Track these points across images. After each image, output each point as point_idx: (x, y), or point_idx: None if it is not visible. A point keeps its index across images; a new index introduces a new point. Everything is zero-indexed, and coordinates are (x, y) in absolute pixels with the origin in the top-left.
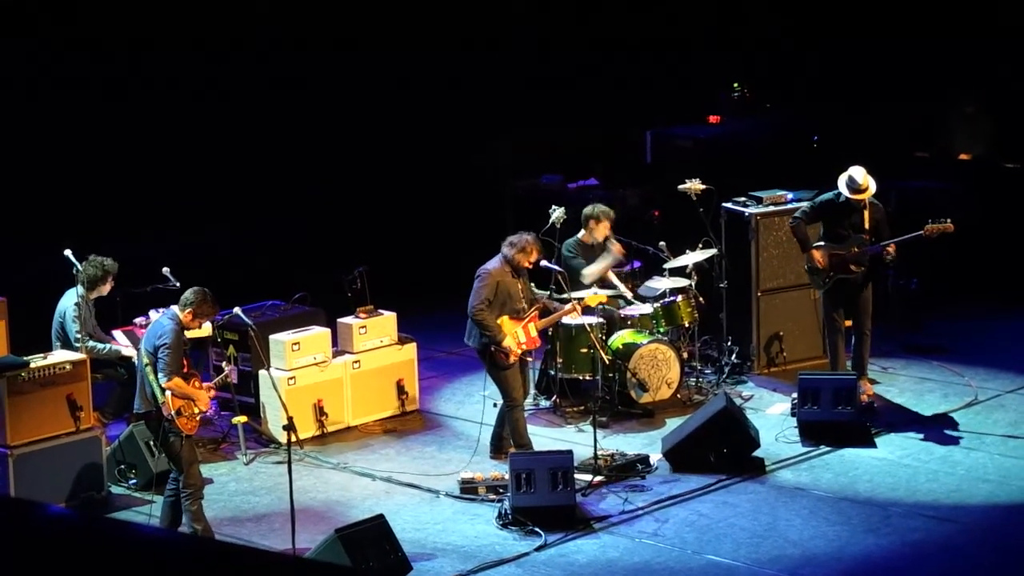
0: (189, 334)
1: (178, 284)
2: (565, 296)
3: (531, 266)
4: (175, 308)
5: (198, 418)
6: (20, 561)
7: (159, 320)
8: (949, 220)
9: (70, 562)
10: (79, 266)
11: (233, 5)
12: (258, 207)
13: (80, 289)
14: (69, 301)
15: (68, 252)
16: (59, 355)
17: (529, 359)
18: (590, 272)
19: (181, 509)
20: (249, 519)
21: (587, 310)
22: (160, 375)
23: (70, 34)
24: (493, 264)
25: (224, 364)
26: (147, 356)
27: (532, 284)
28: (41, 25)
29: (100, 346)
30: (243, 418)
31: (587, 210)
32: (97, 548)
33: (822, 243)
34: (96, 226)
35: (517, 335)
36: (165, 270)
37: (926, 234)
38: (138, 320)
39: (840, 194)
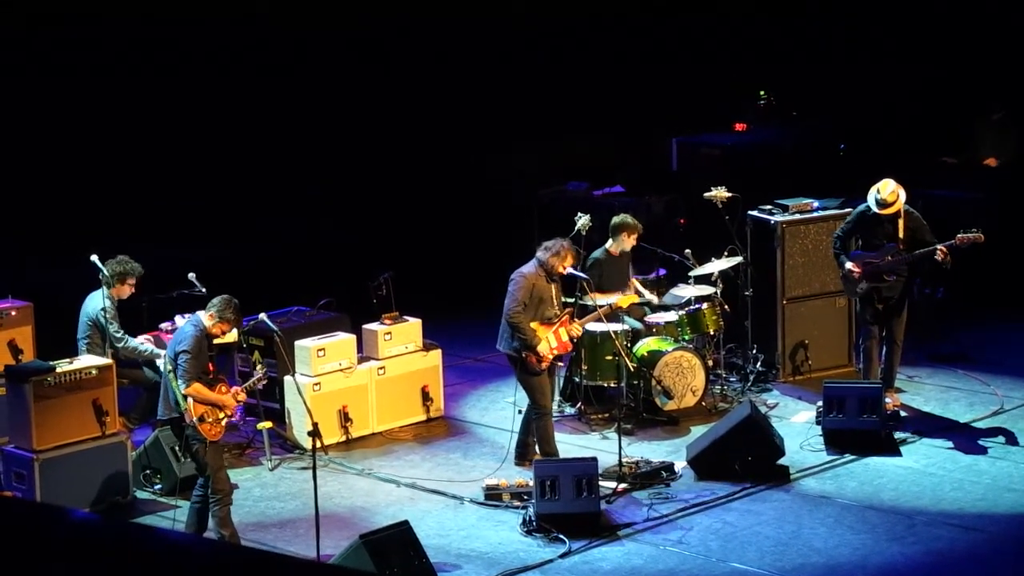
0: (216, 340)
1: (204, 290)
2: (590, 303)
3: (565, 271)
4: (200, 314)
5: (223, 423)
6: (45, 566)
7: (183, 327)
8: (979, 230)
9: (95, 567)
10: (105, 271)
11: (274, 15)
12: (285, 213)
13: (106, 291)
14: (98, 303)
15: (95, 257)
16: (85, 360)
17: (560, 364)
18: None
19: (207, 515)
20: (274, 525)
21: (613, 316)
22: (180, 381)
23: (95, 42)
24: (527, 268)
25: (257, 367)
26: (170, 363)
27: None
28: (66, 32)
29: (142, 347)
30: (268, 424)
31: (617, 220)
32: (122, 553)
33: (857, 251)
34: (122, 232)
35: (549, 340)
36: (191, 275)
37: (957, 244)
38: (164, 325)
39: (869, 207)
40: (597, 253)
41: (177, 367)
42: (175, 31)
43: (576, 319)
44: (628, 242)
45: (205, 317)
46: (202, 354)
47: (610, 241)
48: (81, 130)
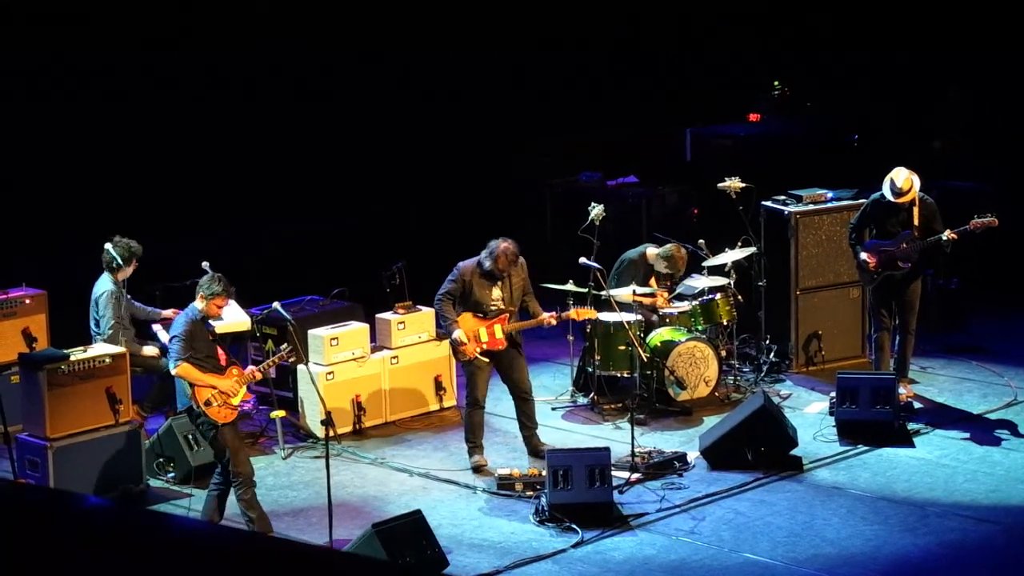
0: (223, 327)
1: None
2: (602, 293)
3: (499, 273)
4: (194, 302)
5: (234, 404)
6: (59, 552)
7: (180, 315)
8: (994, 215)
9: (108, 553)
10: (119, 260)
11: (284, 7)
12: (299, 204)
13: (111, 276)
14: (103, 286)
15: (109, 245)
16: (99, 348)
17: (484, 359)
18: (616, 293)
19: (225, 502)
20: (287, 513)
21: (626, 308)
22: (170, 363)
23: (112, 35)
24: (468, 261)
25: (283, 348)
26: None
27: (570, 281)
28: (84, 27)
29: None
30: (281, 413)
31: (676, 252)
32: (135, 540)
33: (872, 240)
34: (138, 221)
35: (478, 333)
36: (204, 264)
37: (971, 228)
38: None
39: (884, 195)
40: (634, 254)
41: (169, 350)
42: (215, 32)
43: (514, 320)
44: (663, 270)
45: (198, 301)
46: (196, 338)
47: (654, 250)
48: (98, 124)
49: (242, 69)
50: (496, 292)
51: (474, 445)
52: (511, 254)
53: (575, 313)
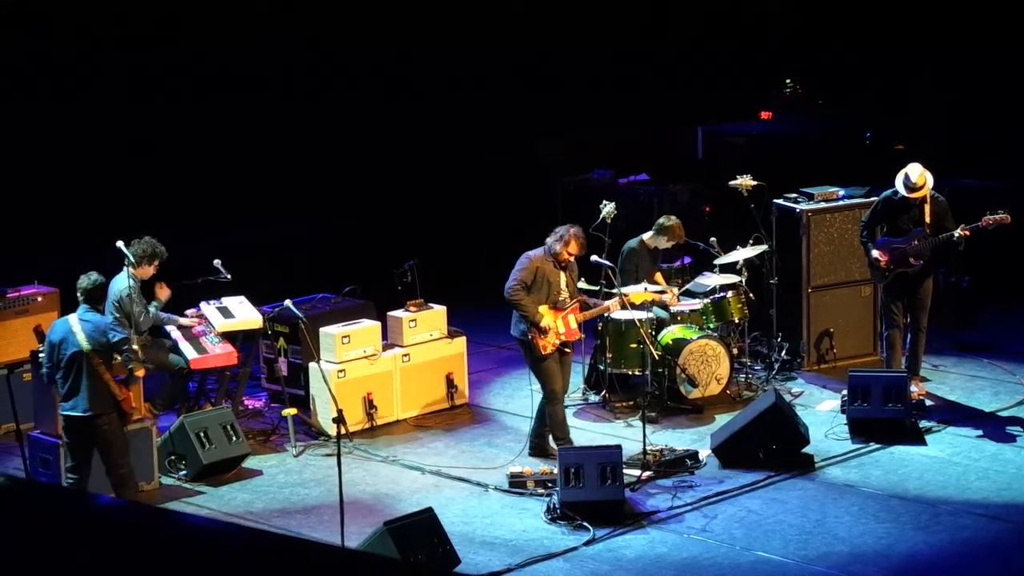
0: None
1: (229, 276)
2: (615, 291)
3: (571, 257)
4: (80, 314)
5: None
6: (70, 550)
7: (98, 320)
8: (1006, 211)
9: (120, 552)
10: (131, 258)
11: (285, 7)
12: (311, 201)
13: (130, 271)
14: (122, 284)
15: (120, 243)
16: None
17: (568, 350)
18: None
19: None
20: (298, 511)
21: (636, 306)
22: (135, 364)
23: (122, 36)
24: (535, 251)
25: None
26: (95, 355)
27: (581, 279)
28: (92, 26)
29: (163, 314)
30: (293, 410)
31: (667, 223)
32: (147, 538)
33: (884, 238)
34: (149, 220)
35: (556, 326)
36: (216, 262)
37: (983, 225)
38: (189, 311)
39: (897, 191)
40: (633, 243)
41: (124, 353)
42: (224, 31)
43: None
44: (665, 244)
45: (89, 304)
46: None
47: (649, 233)
48: (109, 122)
49: (252, 69)
50: (563, 281)
51: (564, 440)
52: (583, 238)
53: (634, 296)
